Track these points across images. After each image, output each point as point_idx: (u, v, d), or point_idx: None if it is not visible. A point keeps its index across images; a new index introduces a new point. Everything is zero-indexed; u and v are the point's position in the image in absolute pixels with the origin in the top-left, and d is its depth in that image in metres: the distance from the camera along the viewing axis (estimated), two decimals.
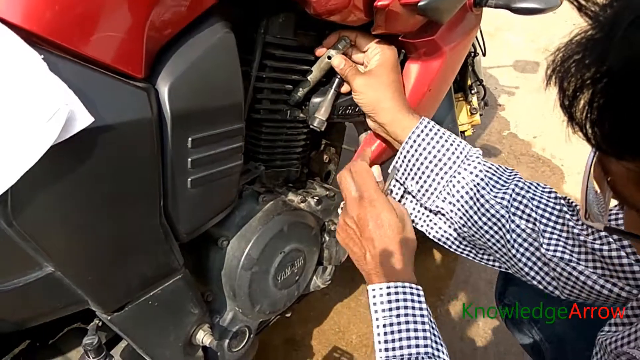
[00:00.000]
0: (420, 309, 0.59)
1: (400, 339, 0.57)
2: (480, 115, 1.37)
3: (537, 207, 0.66)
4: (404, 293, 0.59)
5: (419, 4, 0.66)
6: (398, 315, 0.58)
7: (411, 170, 0.70)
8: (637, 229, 0.34)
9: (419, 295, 0.60)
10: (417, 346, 0.56)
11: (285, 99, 0.79)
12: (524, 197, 0.66)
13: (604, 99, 0.28)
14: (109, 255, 0.52)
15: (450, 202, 0.69)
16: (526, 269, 0.66)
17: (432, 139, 0.69)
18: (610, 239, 0.60)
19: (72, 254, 0.48)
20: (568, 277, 0.63)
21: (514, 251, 0.66)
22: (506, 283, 0.86)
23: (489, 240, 0.68)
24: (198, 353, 0.74)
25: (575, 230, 0.62)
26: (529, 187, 0.67)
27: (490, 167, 0.69)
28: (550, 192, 0.68)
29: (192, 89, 0.54)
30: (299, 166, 0.93)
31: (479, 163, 0.68)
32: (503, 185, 0.68)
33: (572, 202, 0.67)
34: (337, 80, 0.77)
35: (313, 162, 1.02)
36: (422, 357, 0.55)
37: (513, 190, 0.67)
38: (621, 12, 0.27)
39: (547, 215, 0.65)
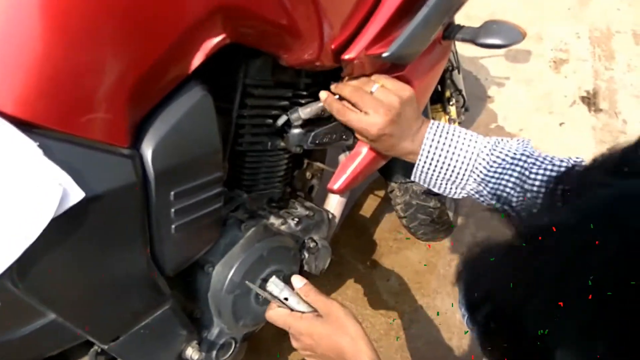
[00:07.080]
0: None
1: None
2: (459, 123, 1.42)
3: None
4: None
5: (383, 55, 0.71)
6: None
7: (435, 169, 0.77)
8: None
9: None
10: None
11: (266, 131, 0.85)
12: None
13: None
14: (103, 300, 0.59)
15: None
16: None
17: (447, 134, 0.76)
18: None
19: (70, 303, 0.55)
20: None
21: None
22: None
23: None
24: None
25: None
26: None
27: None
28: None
29: (173, 150, 0.60)
30: (281, 187, 1.00)
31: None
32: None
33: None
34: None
35: (296, 180, 1.09)
36: None
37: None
38: None
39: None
